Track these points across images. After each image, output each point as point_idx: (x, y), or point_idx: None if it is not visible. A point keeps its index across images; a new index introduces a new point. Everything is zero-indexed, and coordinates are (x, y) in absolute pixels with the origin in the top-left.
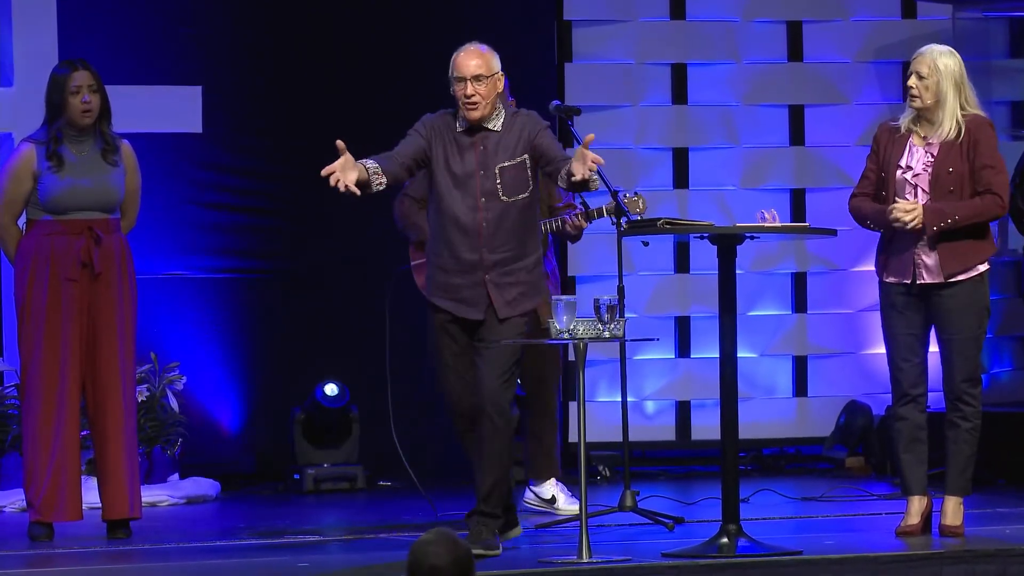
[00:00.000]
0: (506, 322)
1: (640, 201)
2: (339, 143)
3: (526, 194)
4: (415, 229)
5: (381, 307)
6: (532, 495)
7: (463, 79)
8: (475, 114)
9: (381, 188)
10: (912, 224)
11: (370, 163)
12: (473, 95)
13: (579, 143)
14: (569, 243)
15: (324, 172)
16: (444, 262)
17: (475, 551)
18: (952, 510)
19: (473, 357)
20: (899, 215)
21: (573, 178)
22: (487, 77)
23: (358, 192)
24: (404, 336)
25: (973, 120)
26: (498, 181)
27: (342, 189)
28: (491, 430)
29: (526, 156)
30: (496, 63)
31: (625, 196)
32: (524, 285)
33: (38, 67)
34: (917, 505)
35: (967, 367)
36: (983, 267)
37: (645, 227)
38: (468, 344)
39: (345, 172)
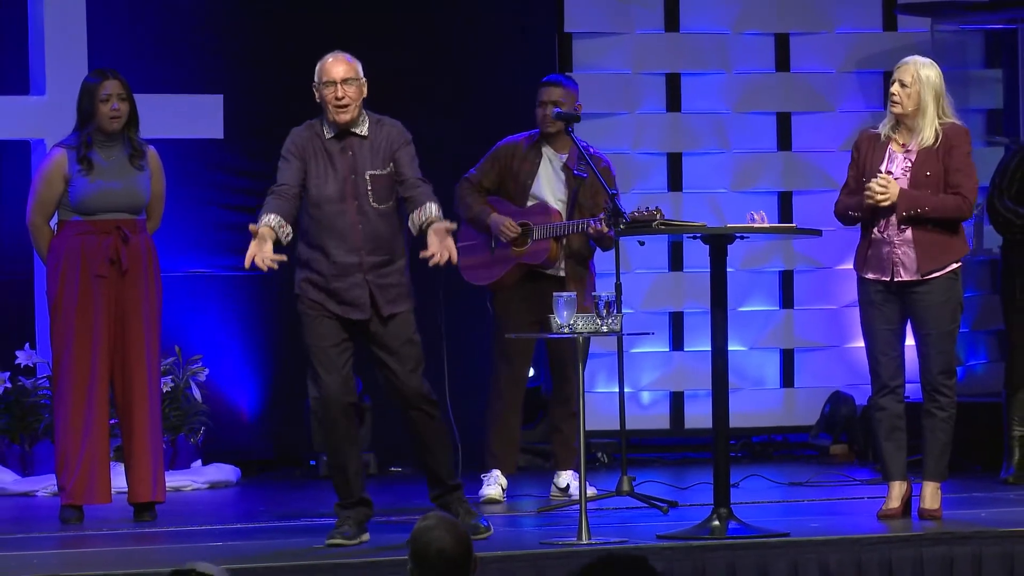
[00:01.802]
0: (393, 320)
1: (658, 215)
2: (251, 227)
3: (393, 201)
4: (464, 207)
5: None
6: (553, 486)
7: (333, 82)
8: (345, 116)
9: (290, 237)
10: (884, 201)
11: (273, 219)
12: (343, 97)
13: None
14: (600, 250)
15: (246, 263)
16: (323, 267)
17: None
18: (930, 495)
19: (381, 365)
20: (873, 190)
21: (423, 254)
22: (355, 80)
23: (284, 258)
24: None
25: (951, 128)
26: (369, 187)
27: (269, 267)
28: (427, 421)
29: (392, 166)
30: (360, 70)
31: (646, 209)
32: (399, 286)
33: (69, 77)
34: (898, 490)
35: (943, 360)
36: (956, 265)
37: (641, 227)
38: (346, 339)
39: (262, 249)
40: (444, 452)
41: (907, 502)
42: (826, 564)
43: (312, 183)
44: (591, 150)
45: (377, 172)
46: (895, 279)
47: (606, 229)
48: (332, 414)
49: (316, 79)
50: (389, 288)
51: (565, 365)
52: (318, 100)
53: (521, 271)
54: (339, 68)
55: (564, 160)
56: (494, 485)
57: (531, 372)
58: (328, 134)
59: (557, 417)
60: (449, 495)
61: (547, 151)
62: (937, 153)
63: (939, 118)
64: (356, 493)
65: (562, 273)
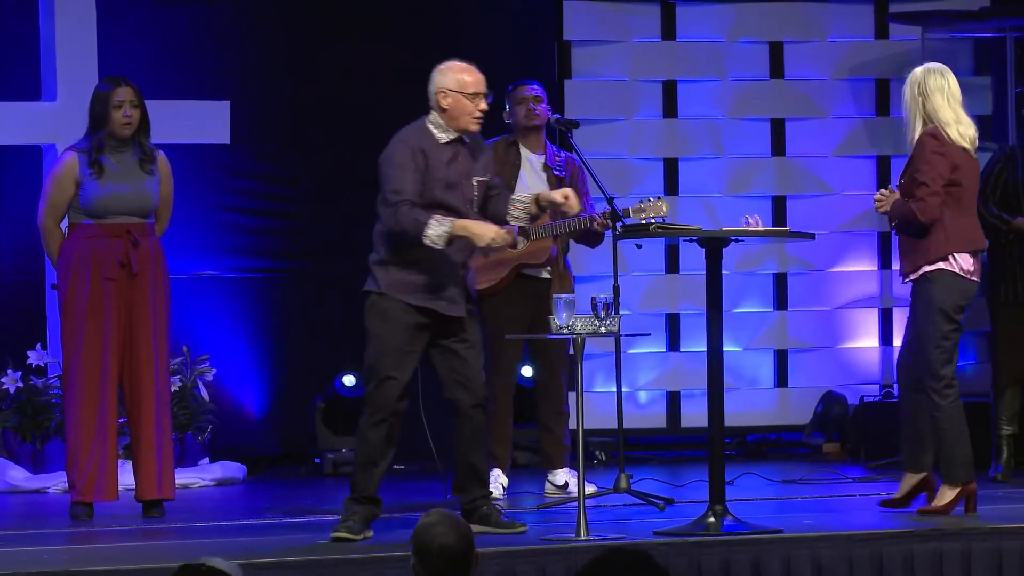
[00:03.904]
0: (470, 317)
1: (663, 205)
2: (451, 233)
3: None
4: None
5: None
6: (548, 484)
7: (480, 95)
8: (478, 128)
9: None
10: (880, 210)
11: (445, 220)
12: (484, 111)
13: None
14: (588, 247)
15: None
16: (432, 266)
17: (502, 531)
18: (939, 494)
19: (451, 356)
20: (875, 199)
21: (557, 201)
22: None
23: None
24: None
25: (923, 132)
26: (475, 193)
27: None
28: (483, 419)
29: (488, 175)
30: None
31: (649, 200)
32: (465, 282)
33: (79, 83)
34: (905, 480)
35: (918, 364)
36: (929, 268)
37: (638, 231)
38: (419, 347)
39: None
40: (484, 455)
41: (913, 494)
42: (818, 560)
43: (429, 186)
44: (562, 153)
45: (482, 179)
46: (902, 281)
47: (610, 223)
48: (384, 413)
49: (454, 87)
50: (465, 285)
51: (552, 365)
52: (444, 106)
53: (514, 274)
54: (483, 80)
55: (543, 160)
56: (495, 484)
57: (530, 371)
58: (442, 138)
59: (546, 416)
60: (480, 499)
61: (524, 152)
62: (910, 158)
63: (925, 123)
64: (372, 490)
65: (547, 274)
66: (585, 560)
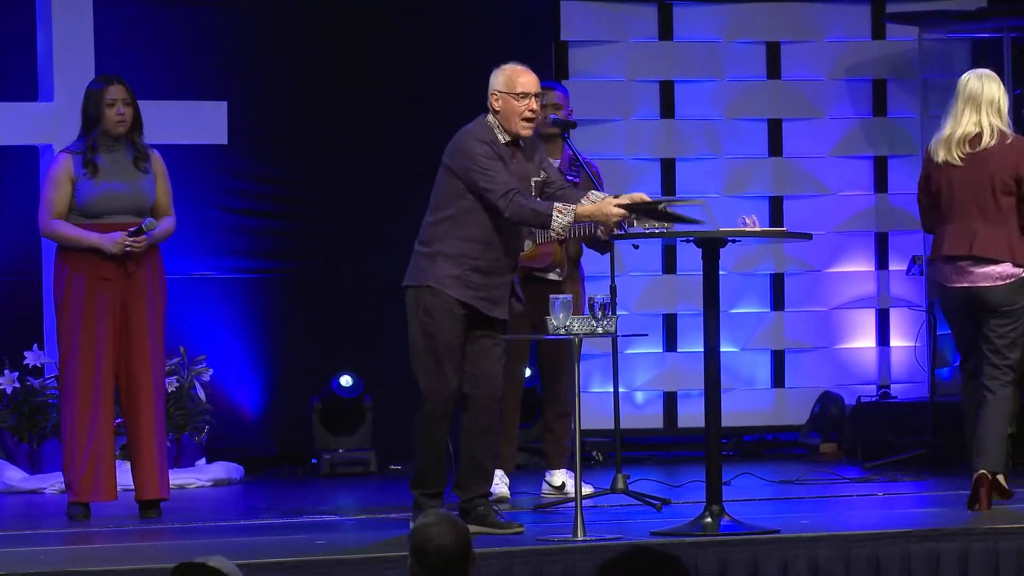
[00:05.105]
0: (504, 320)
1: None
2: (572, 214)
3: None
4: None
5: (392, 306)
6: (546, 485)
7: (528, 95)
8: (530, 132)
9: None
10: None
11: (566, 207)
12: (535, 111)
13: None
14: (599, 254)
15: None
16: (482, 264)
17: (499, 531)
18: None
19: (476, 348)
20: None
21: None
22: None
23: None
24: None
25: None
26: (533, 193)
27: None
28: (496, 420)
29: (543, 173)
30: None
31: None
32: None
33: (76, 83)
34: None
35: None
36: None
37: (635, 231)
38: (466, 338)
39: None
40: (494, 454)
41: (975, 494)
42: (815, 560)
43: None
44: (582, 156)
45: (538, 179)
46: None
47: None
48: (447, 408)
49: (503, 88)
50: (513, 287)
51: (557, 366)
52: (496, 107)
53: (520, 275)
54: (534, 81)
55: (557, 164)
56: (500, 484)
57: (527, 372)
58: (502, 140)
59: (549, 417)
60: (485, 498)
61: None
62: None
63: None
64: (445, 483)
65: (556, 276)
66: (582, 560)
